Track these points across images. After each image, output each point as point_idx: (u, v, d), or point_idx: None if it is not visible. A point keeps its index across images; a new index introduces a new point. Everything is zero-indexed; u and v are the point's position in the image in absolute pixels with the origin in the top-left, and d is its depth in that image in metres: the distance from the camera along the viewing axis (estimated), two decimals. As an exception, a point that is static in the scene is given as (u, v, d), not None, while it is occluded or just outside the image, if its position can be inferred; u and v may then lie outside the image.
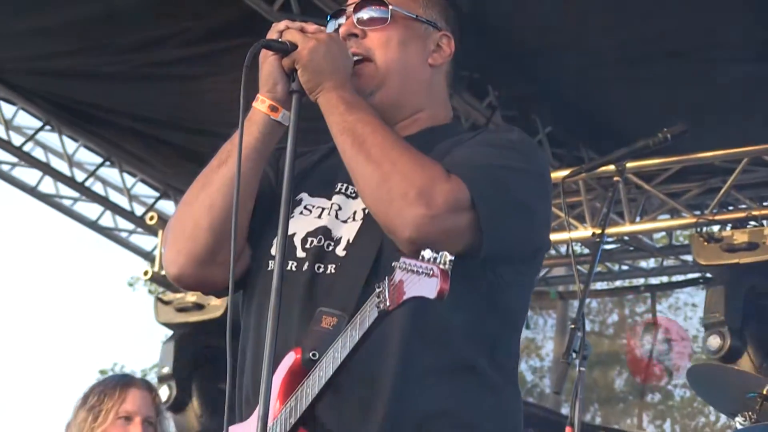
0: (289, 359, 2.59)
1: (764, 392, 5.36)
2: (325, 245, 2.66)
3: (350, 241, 2.67)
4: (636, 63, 7.14)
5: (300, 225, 2.72)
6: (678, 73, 7.14)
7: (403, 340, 2.49)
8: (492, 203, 2.52)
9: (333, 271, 2.64)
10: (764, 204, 7.69)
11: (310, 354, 2.53)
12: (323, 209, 2.74)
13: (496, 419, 2.64)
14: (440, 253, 2.25)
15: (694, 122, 5.36)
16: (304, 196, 2.75)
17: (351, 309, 2.50)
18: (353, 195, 2.73)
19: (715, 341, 7.09)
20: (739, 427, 5.70)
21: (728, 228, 7.27)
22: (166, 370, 7.91)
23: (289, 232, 2.61)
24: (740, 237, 7.06)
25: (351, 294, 2.56)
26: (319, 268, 2.65)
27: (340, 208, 2.74)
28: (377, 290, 2.36)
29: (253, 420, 2.43)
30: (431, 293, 2.25)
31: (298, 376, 2.57)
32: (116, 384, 4.78)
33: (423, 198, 2.47)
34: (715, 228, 7.39)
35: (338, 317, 2.52)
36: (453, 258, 2.27)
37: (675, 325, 13.74)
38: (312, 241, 2.69)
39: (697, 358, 8.63)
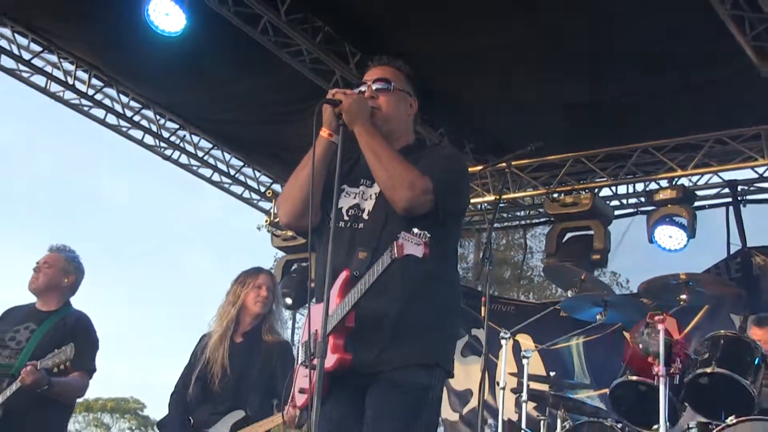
0: (343, 275, 3.48)
1: (582, 278, 6.74)
2: (358, 213, 3.66)
3: (370, 210, 3.65)
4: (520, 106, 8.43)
5: (345, 202, 3.67)
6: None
7: (400, 273, 3.39)
8: (443, 188, 3.53)
9: (362, 226, 3.62)
10: (581, 182, 9.62)
11: (354, 272, 3.48)
12: (356, 193, 3.72)
13: (450, 295, 3.70)
14: (423, 232, 3.21)
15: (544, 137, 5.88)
16: (345, 186, 3.70)
17: (373, 247, 3.51)
18: (370, 185, 3.69)
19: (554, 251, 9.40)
20: (570, 295, 6.97)
21: (562, 195, 9.46)
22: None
23: (339, 206, 3.59)
24: (567, 199, 9.40)
25: (372, 239, 3.56)
26: (355, 225, 3.64)
27: (363, 192, 3.71)
28: (389, 248, 3.28)
29: (323, 305, 3.35)
30: (419, 254, 3.20)
31: (348, 285, 3.45)
32: (254, 270, 5.82)
33: (411, 187, 3.48)
34: (555, 195, 9.46)
35: (368, 252, 3.50)
36: (430, 235, 3.22)
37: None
38: (350, 211, 3.67)
39: (547, 262, 9.98)
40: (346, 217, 3.66)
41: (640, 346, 5.82)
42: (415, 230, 3.22)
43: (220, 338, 5.53)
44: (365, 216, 3.63)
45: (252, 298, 5.64)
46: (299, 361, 3.70)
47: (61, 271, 5.85)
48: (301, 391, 3.57)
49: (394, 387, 3.45)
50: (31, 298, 5.92)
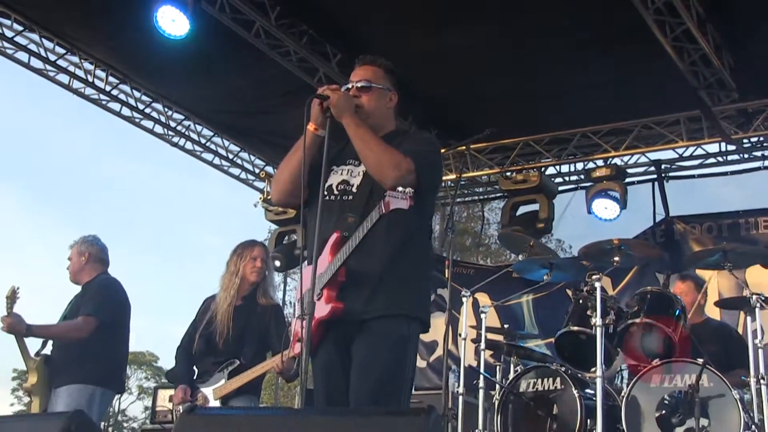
0: (334, 236, 3.53)
1: (531, 244, 6.75)
2: (347, 187, 3.65)
3: (357, 185, 3.65)
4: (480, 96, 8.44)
5: (334, 179, 3.69)
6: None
7: (384, 233, 3.46)
8: (422, 168, 3.53)
9: (351, 198, 3.63)
10: (530, 162, 9.64)
11: (344, 233, 3.51)
12: (343, 170, 3.71)
13: (425, 258, 3.76)
14: (407, 189, 3.30)
15: (497, 124, 7.03)
16: (334, 167, 3.71)
17: (360, 213, 3.52)
18: (357, 164, 3.68)
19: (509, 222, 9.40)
20: (521, 259, 7.01)
21: (514, 173, 9.55)
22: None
23: (328, 183, 3.65)
24: (518, 176, 9.49)
25: (360, 206, 3.56)
26: (344, 197, 3.65)
27: (351, 171, 3.70)
28: (378, 204, 3.34)
29: (317, 264, 3.43)
30: (405, 206, 3.29)
31: (339, 244, 3.51)
32: (249, 243, 5.80)
33: (397, 167, 3.48)
34: (507, 174, 9.56)
35: (355, 218, 3.51)
36: (413, 190, 3.32)
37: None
38: (339, 186, 3.67)
39: (502, 231, 9.84)
40: (335, 192, 3.68)
41: (581, 301, 5.88)
42: (400, 188, 3.30)
43: (225, 304, 5.57)
44: (354, 189, 3.64)
45: (249, 269, 5.64)
46: (295, 315, 3.70)
47: (77, 256, 6.01)
48: (299, 340, 3.56)
49: (379, 336, 3.47)
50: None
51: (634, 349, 5.77)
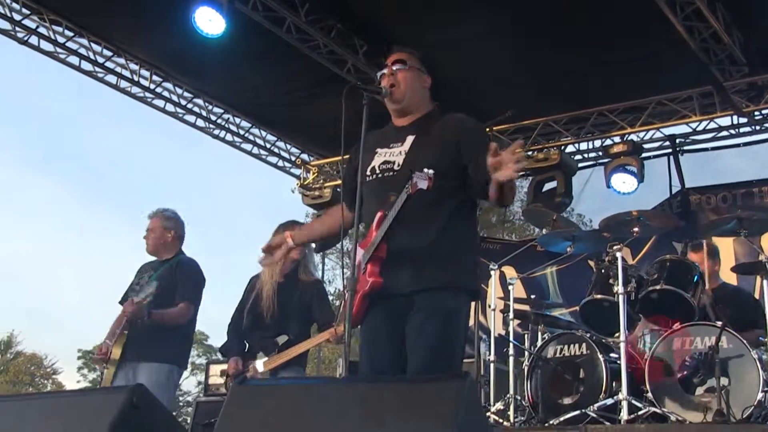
0: (378, 215, 3.54)
1: (554, 218, 6.70)
2: (389, 166, 3.61)
3: (400, 164, 3.59)
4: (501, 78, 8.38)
5: (376, 160, 3.65)
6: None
7: (427, 209, 3.44)
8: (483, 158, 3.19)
9: (393, 175, 3.58)
10: (550, 141, 9.57)
11: (386, 212, 3.48)
12: (387, 152, 3.66)
13: (470, 232, 3.65)
14: (429, 171, 3.28)
15: (518, 106, 7.25)
16: (377, 149, 3.67)
17: (400, 192, 3.44)
18: (399, 146, 3.62)
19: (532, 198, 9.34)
20: (544, 232, 7.17)
21: (535, 152, 9.44)
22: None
23: (372, 164, 3.63)
24: (540, 155, 9.42)
25: (401, 185, 3.46)
26: (387, 174, 3.60)
27: (392, 152, 3.65)
28: (405, 186, 3.37)
29: (366, 243, 3.53)
30: (425, 186, 3.29)
31: (382, 223, 3.50)
32: (290, 223, 5.46)
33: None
34: (529, 153, 9.36)
35: (396, 196, 3.44)
36: (433, 171, 3.26)
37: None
38: (382, 166, 3.63)
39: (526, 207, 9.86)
40: (377, 171, 3.64)
41: (603, 271, 5.87)
42: (425, 170, 3.28)
43: (269, 282, 5.56)
44: (396, 167, 3.58)
45: None
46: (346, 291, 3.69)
47: (162, 230, 5.87)
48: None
49: (426, 310, 3.41)
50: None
51: (654, 315, 5.74)
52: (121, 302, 5.85)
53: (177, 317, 5.64)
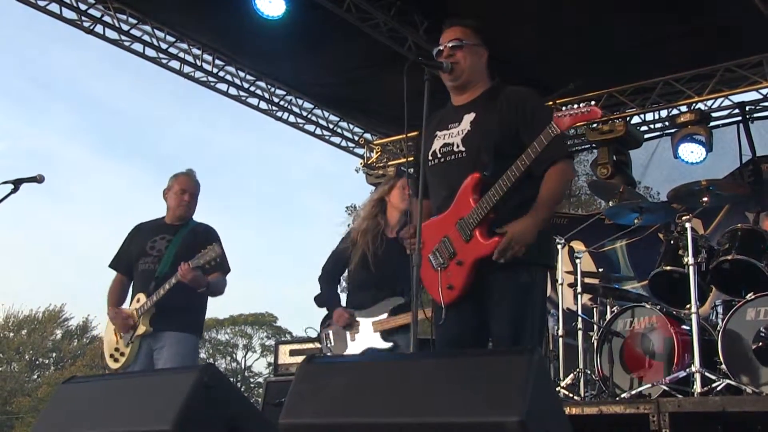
0: (471, 177, 3.52)
1: (621, 190, 6.65)
2: (450, 149, 3.65)
3: (458, 145, 3.64)
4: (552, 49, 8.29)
5: (437, 143, 3.69)
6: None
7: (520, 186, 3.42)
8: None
9: (455, 159, 3.64)
10: (615, 113, 9.29)
11: (484, 173, 3.49)
12: (446, 134, 3.70)
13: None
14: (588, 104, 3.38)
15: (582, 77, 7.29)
16: (437, 132, 3.71)
17: (471, 170, 3.51)
18: (456, 125, 3.66)
19: (600, 171, 9.20)
20: (611, 205, 6.68)
21: (600, 124, 9.19)
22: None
23: (433, 148, 3.70)
24: (605, 127, 9.22)
25: (466, 172, 3.54)
26: (448, 159, 3.66)
27: (450, 133, 3.69)
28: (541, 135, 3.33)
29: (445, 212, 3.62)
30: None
31: (479, 183, 3.49)
32: (398, 174, 6.16)
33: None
34: (594, 125, 9.21)
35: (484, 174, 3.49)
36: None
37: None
38: (443, 149, 3.68)
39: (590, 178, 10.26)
40: (438, 155, 3.68)
41: (672, 242, 5.77)
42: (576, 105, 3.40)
43: (369, 232, 5.35)
44: (455, 149, 3.64)
45: (398, 196, 5.37)
46: (435, 266, 3.65)
47: (196, 197, 5.76)
48: (450, 287, 3.56)
49: (501, 286, 3.46)
50: (148, 215, 5.90)
51: (727, 286, 5.64)
52: (114, 267, 5.70)
53: (222, 287, 5.57)
